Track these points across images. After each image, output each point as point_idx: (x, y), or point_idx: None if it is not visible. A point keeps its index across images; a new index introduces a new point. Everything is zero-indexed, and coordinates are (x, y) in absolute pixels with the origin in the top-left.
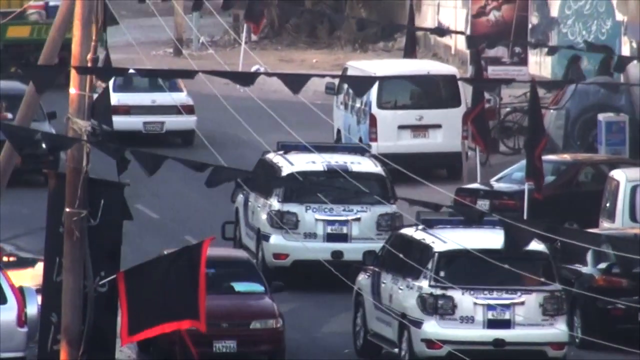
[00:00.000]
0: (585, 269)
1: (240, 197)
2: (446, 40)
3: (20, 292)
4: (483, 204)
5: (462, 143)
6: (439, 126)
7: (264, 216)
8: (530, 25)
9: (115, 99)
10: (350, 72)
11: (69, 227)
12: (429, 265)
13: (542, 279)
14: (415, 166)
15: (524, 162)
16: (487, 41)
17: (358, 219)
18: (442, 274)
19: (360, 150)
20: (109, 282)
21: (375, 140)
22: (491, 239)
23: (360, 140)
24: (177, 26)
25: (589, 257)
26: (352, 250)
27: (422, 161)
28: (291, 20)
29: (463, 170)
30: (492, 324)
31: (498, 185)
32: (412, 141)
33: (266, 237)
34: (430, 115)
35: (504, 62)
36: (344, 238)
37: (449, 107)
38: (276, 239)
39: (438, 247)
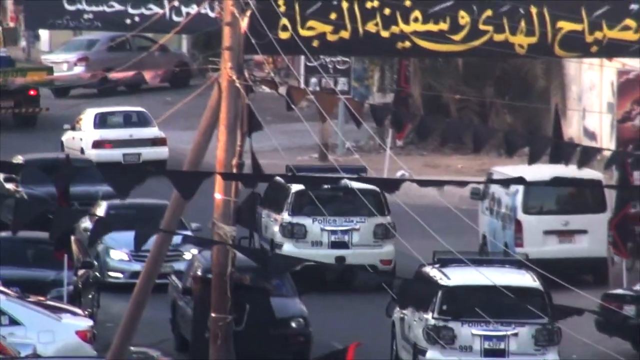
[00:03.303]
0: None
1: None
2: (592, 144)
3: None
4: (629, 310)
5: (607, 248)
6: (584, 231)
7: (276, 228)
8: None
9: (98, 134)
10: (495, 178)
11: (215, 332)
12: (435, 299)
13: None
14: (561, 271)
15: None
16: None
17: (357, 229)
18: (445, 307)
19: (357, 171)
20: None
21: (521, 245)
22: (495, 276)
23: (506, 245)
24: (323, 131)
25: None
26: (353, 256)
27: (568, 266)
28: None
29: (609, 275)
30: (488, 353)
31: None
32: (558, 246)
33: (279, 246)
34: (576, 221)
35: None
36: (345, 245)
37: (595, 212)
38: (288, 247)
39: (443, 283)
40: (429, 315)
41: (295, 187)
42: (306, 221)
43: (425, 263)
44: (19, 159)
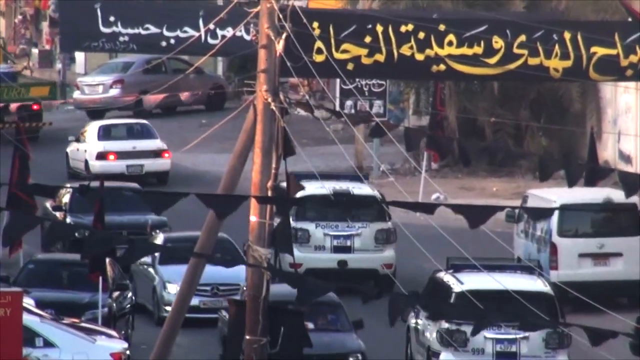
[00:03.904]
0: None
1: None
2: (628, 168)
3: None
4: None
5: None
6: (619, 254)
7: None
8: None
9: (102, 146)
10: (530, 201)
11: (249, 355)
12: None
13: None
14: (595, 294)
15: None
16: None
17: (359, 234)
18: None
19: (359, 178)
20: None
21: (556, 268)
22: (507, 281)
23: (541, 268)
24: (358, 154)
25: None
26: (355, 260)
27: (602, 289)
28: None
29: None
30: (500, 355)
31: None
32: (592, 269)
33: None
34: (611, 244)
35: None
36: (348, 250)
37: (630, 235)
38: None
39: (456, 287)
40: (442, 319)
41: (299, 193)
42: (309, 226)
43: (442, 268)
44: (67, 187)
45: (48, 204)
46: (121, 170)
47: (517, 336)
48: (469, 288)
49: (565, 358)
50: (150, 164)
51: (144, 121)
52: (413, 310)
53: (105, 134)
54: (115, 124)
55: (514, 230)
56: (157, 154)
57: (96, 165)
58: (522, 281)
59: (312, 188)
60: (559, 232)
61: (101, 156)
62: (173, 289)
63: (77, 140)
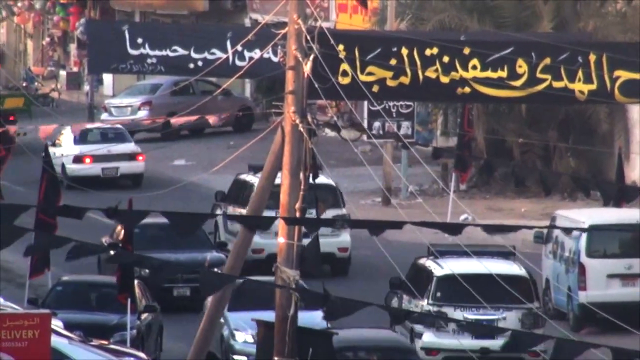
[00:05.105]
0: None
1: (219, 211)
2: None
3: None
4: None
5: None
6: None
7: None
8: None
9: (78, 150)
10: (558, 221)
11: None
12: (430, 287)
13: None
14: (624, 315)
15: None
16: None
17: None
18: (439, 294)
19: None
20: None
21: (584, 289)
22: (485, 265)
23: (569, 289)
24: (386, 175)
25: None
26: None
27: (631, 310)
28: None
29: None
30: (478, 335)
31: None
32: (621, 290)
33: None
34: (639, 264)
35: None
36: (305, 235)
37: None
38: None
39: (437, 272)
40: (424, 302)
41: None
42: (268, 213)
43: (433, 250)
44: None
45: (104, 240)
46: (97, 173)
47: (495, 317)
48: (450, 272)
49: None
50: (125, 167)
51: (118, 125)
52: (395, 294)
53: (81, 138)
54: (90, 128)
55: (542, 251)
56: (131, 156)
57: (73, 169)
58: (499, 265)
59: None
60: (588, 252)
61: (77, 159)
62: (241, 338)
63: (54, 144)
